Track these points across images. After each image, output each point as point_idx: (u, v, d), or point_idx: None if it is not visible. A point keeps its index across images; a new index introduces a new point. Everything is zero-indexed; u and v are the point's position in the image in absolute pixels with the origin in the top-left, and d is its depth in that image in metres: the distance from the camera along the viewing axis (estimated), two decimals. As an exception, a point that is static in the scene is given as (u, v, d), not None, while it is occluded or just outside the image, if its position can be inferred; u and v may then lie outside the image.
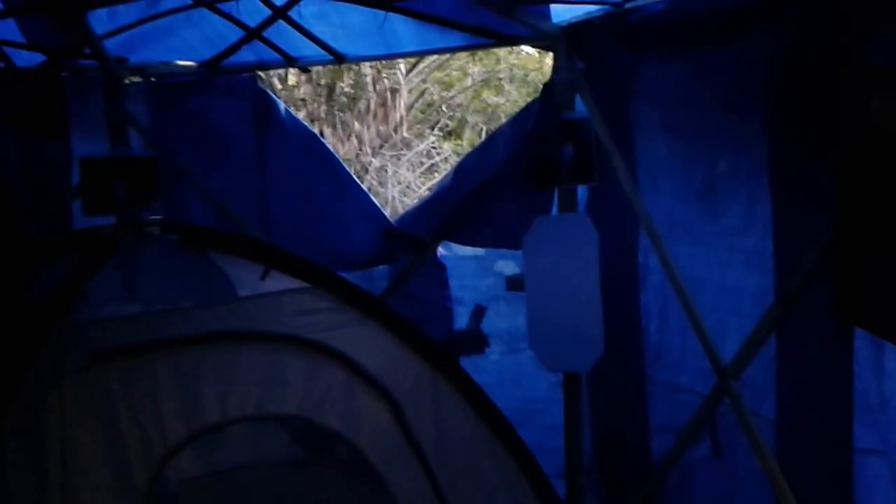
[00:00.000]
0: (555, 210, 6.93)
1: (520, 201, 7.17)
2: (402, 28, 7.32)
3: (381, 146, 18.84)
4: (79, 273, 4.92)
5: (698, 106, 5.92)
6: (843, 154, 4.73)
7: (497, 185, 7.38)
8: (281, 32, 7.59)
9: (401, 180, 18.28)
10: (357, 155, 18.40)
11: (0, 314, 4.82)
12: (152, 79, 8.29)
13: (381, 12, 7.02)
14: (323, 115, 18.82)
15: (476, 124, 20.93)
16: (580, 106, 6.57)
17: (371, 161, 18.38)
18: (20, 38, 7.32)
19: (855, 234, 4.66)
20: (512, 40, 7.39)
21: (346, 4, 6.92)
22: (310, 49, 7.79)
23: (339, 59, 7.93)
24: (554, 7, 6.57)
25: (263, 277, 5.24)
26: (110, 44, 7.54)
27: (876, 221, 4.54)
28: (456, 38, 7.34)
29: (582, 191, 6.79)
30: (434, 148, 19.56)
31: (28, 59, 7.71)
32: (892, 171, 4.46)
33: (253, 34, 7.59)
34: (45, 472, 4.35)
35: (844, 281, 4.80)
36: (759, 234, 5.50)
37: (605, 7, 6.26)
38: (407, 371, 5.33)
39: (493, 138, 7.89)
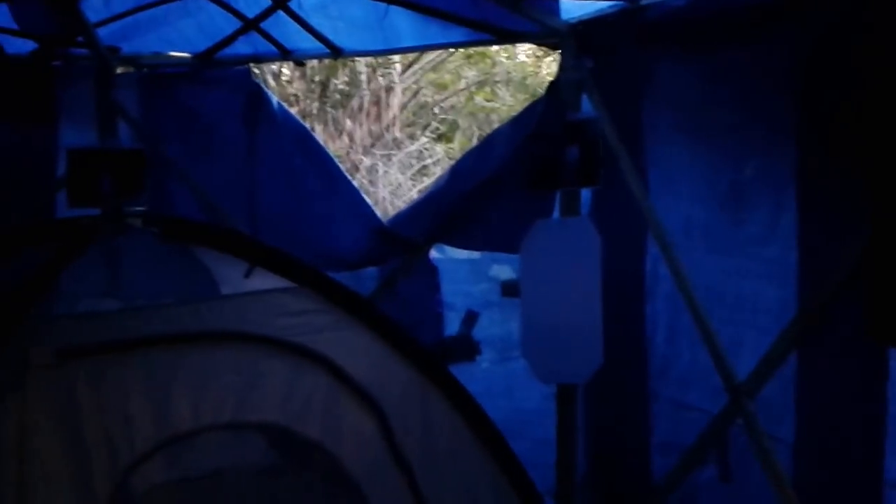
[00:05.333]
0: (556, 214, 6.70)
1: (519, 204, 6.97)
2: (403, 22, 7.22)
3: (373, 145, 18.76)
4: (51, 265, 4.67)
5: (719, 108, 5.70)
6: (878, 162, 4.46)
7: (495, 187, 7.20)
8: (278, 24, 7.55)
9: (392, 181, 18.19)
10: (348, 153, 18.32)
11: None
12: (144, 69, 8.24)
13: (383, 5, 6.94)
14: (315, 111, 18.71)
15: (469, 127, 20.84)
16: (587, 106, 6.35)
17: (362, 160, 18.29)
18: (12, 25, 7.23)
19: (892, 247, 4.39)
20: (516, 37, 7.21)
21: (348, -4, 6.76)
22: (307, 42, 7.76)
23: (335, 52, 7.86)
24: (564, 3, 6.40)
25: (247, 275, 4.99)
26: (103, 32, 7.51)
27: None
28: (458, 34, 7.20)
29: (585, 195, 6.56)
30: (426, 149, 19.48)
31: (19, 46, 7.63)
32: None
33: (250, 25, 7.55)
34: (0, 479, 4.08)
35: (879, 297, 4.51)
36: (783, 243, 5.26)
37: (619, 3, 6.07)
38: (395, 378, 5.06)
39: (492, 137, 7.71)
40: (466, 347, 7.35)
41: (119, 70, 8.10)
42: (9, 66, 7.71)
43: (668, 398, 6.28)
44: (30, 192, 7.79)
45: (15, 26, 7.23)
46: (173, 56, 8.11)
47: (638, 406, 6.45)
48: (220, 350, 4.72)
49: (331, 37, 7.62)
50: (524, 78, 20.15)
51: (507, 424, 5.54)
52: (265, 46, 7.87)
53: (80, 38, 7.56)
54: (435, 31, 7.19)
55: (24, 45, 7.64)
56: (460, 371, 6.39)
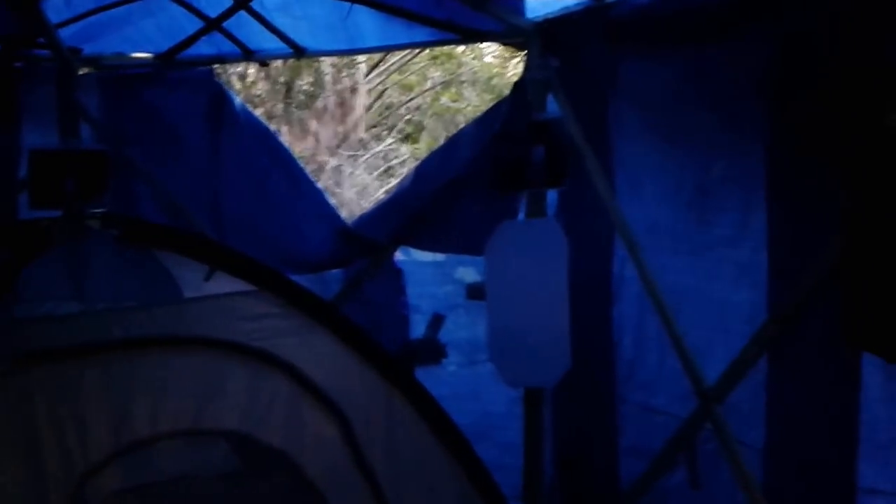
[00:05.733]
0: (521, 215, 6.63)
1: (484, 205, 6.91)
2: (367, 22, 7.13)
3: (339, 146, 18.68)
4: (8, 267, 4.55)
5: (687, 107, 5.62)
6: (854, 164, 4.38)
7: (460, 188, 7.14)
8: (241, 24, 7.43)
9: (357, 182, 18.12)
10: (313, 154, 18.24)
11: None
12: (107, 70, 8.12)
13: (346, 4, 6.83)
14: (280, 112, 18.63)
15: (435, 128, 20.81)
16: (553, 106, 6.26)
17: (327, 161, 18.21)
18: None
19: (867, 250, 4.32)
20: (481, 36, 7.11)
21: (310, -5, 6.67)
22: (270, 42, 7.65)
23: (299, 52, 7.77)
24: (529, 2, 6.31)
25: (208, 278, 4.89)
26: (65, 33, 7.38)
27: (892, 236, 4.20)
28: (422, 33, 7.13)
29: (552, 195, 6.46)
30: (392, 150, 19.43)
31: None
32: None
33: (212, 25, 7.43)
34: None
35: (853, 300, 4.43)
36: (753, 245, 5.16)
37: (585, 1, 5.99)
38: (358, 384, 4.97)
39: (457, 138, 7.66)
40: (432, 350, 7.28)
41: (81, 71, 7.96)
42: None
43: (636, 402, 6.20)
44: (-10, 194, 7.62)
45: (-25, 27, 7.15)
46: (135, 57, 7.98)
47: (605, 410, 6.36)
48: (180, 355, 4.62)
49: (294, 36, 7.53)
50: (490, 78, 20.15)
51: (473, 428, 5.48)
52: (228, 47, 7.75)
53: (41, 40, 7.45)
54: (399, 30, 7.11)
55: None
56: (426, 374, 6.36)
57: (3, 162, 7.73)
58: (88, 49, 7.74)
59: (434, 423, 5.13)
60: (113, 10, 7.24)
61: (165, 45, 7.81)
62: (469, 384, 7.32)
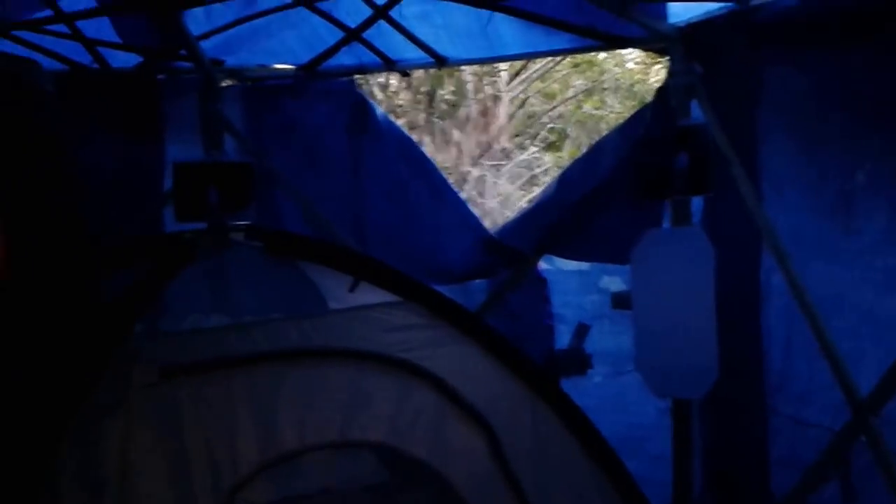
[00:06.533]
0: (666, 223, 6.54)
1: (628, 213, 6.77)
2: (507, 29, 7.08)
3: (481, 156, 18.64)
4: (153, 280, 4.59)
5: (833, 111, 5.48)
6: None
7: (604, 196, 6.99)
8: (381, 34, 7.44)
9: (500, 192, 18.09)
10: (456, 164, 18.23)
11: (67, 322, 4.50)
12: (248, 82, 8.18)
13: (486, 13, 6.82)
14: (422, 122, 18.68)
15: (578, 136, 20.70)
16: (697, 113, 6.16)
17: (470, 171, 18.20)
18: (115, 39, 7.27)
19: None
20: (623, 42, 6.98)
21: (450, 4, 6.70)
22: (410, 52, 7.63)
23: (440, 61, 7.71)
24: (671, 6, 6.22)
25: (352, 289, 4.89)
26: (206, 45, 7.48)
27: None
28: (563, 40, 7.06)
29: (696, 203, 6.38)
30: (535, 159, 19.35)
31: (123, 60, 7.66)
32: None
33: (352, 35, 7.46)
34: (102, 497, 3.99)
35: None
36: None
37: (729, 5, 5.89)
38: (505, 396, 4.92)
39: (600, 146, 7.51)
40: (578, 361, 7.17)
41: (224, 83, 8.06)
42: (114, 80, 7.73)
43: (787, 413, 6.05)
44: (137, 206, 7.74)
45: (118, 40, 7.27)
46: (277, 68, 8.06)
47: (755, 422, 6.22)
48: (325, 367, 4.63)
49: (434, 45, 7.50)
50: (632, 85, 19.99)
51: (621, 440, 5.40)
52: (369, 57, 7.77)
53: (183, 52, 7.56)
54: (540, 37, 7.05)
55: (129, 60, 7.67)
56: (572, 385, 6.29)
57: (148, 175, 7.88)
58: (230, 61, 7.85)
59: (581, 435, 5.07)
60: (254, 22, 7.33)
61: (306, 57, 7.88)
62: (615, 395, 7.19)
